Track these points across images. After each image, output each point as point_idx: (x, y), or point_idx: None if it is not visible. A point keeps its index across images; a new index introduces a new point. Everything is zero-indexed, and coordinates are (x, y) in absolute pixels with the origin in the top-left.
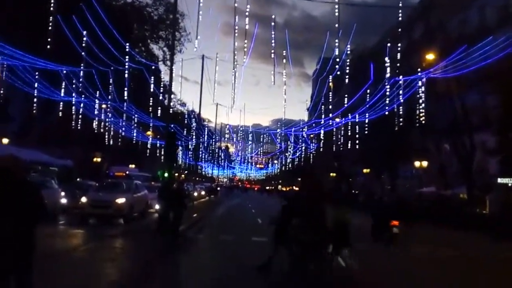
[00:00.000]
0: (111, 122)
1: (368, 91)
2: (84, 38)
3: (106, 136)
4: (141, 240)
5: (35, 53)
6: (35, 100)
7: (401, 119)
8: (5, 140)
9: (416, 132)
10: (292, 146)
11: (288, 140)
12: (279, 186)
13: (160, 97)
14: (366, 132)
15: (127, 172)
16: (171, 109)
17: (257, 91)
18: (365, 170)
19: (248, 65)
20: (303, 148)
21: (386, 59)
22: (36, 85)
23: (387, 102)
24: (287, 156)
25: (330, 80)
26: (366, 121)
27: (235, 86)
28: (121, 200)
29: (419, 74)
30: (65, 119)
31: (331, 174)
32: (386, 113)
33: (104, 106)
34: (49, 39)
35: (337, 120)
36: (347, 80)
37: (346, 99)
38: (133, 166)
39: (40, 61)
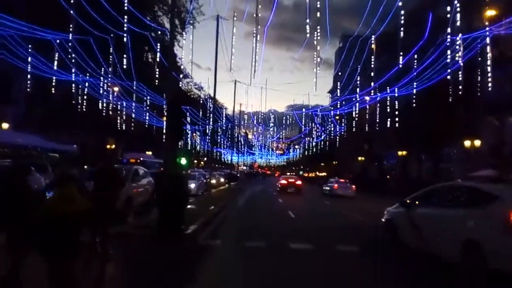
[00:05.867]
0: (122, 104)
1: (416, 56)
2: None
3: (118, 120)
4: (129, 250)
5: (18, 18)
6: (28, 76)
7: (460, 88)
8: (5, 125)
9: (462, 107)
10: (318, 129)
11: (313, 123)
12: (300, 172)
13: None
14: (414, 105)
15: (141, 159)
16: (187, 92)
17: (271, 76)
18: (400, 153)
19: (259, 51)
20: (330, 130)
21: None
22: (29, 59)
23: (448, 61)
24: (311, 140)
25: (373, 42)
26: (414, 91)
27: (256, 50)
28: None
29: (486, 29)
30: (68, 100)
31: (359, 158)
32: (449, 77)
33: (116, 89)
34: None
35: (367, 98)
36: (402, 34)
37: (401, 57)
38: (149, 153)
39: (25, 26)
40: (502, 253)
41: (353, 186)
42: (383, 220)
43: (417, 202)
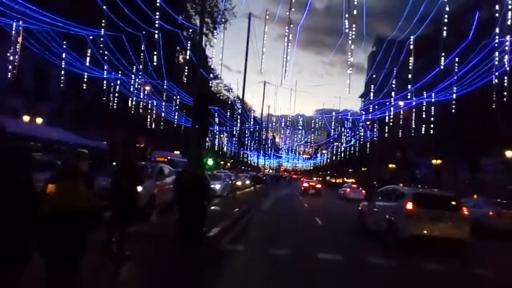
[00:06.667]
0: (152, 103)
1: (457, 59)
2: None
3: (148, 119)
4: (147, 252)
5: (52, 12)
6: (62, 72)
7: (504, 94)
8: (39, 120)
9: (505, 114)
10: (347, 134)
11: (343, 127)
12: (327, 178)
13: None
14: (453, 111)
15: (169, 158)
16: (216, 93)
17: (300, 80)
18: (434, 161)
19: (290, 52)
20: (360, 135)
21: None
22: (63, 55)
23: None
24: (339, 145)
25: (411, 42)
26: (454, 96)
27: (288, 50)
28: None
29: None
30: (99, 97)
31: (390, 165)
32: (495, 81)
33: (147, 88)
34: None
35: (401, 103)
36: (444, 33)
37: (442, 58)
38: (177, 152)
39: (60, 22)
40: (403, 227)
41: (363, 191)
42: (359, 209)
43: (374, 198)
